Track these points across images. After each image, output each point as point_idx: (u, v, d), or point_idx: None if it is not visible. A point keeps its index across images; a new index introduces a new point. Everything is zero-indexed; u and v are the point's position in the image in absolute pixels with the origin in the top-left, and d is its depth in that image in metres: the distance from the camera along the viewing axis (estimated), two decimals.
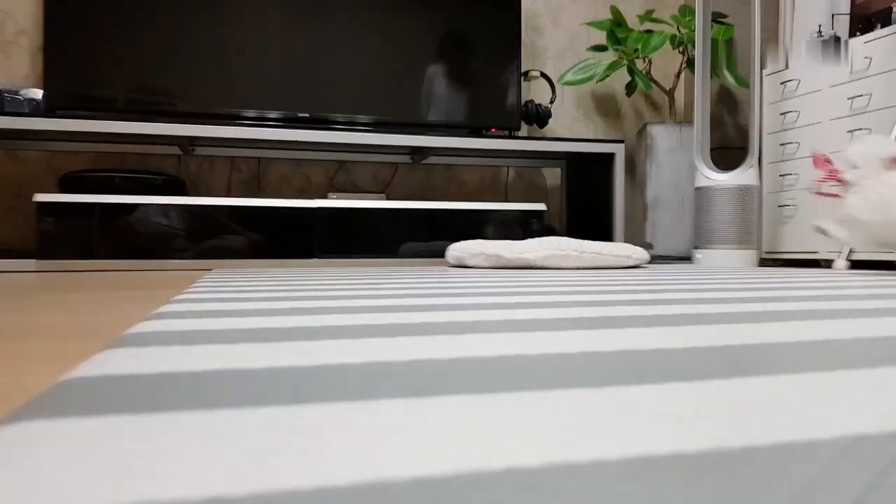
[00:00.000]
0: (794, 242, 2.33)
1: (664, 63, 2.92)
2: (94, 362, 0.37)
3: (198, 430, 0.24)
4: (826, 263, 2.25)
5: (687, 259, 2.53)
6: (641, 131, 2.61)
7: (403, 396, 0.29)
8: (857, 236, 1.46)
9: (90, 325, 0.62)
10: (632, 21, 2.85)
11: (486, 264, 1.85)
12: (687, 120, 2.90)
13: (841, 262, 1.84)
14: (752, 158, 2.27)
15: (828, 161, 1.50)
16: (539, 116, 2.58)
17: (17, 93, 2.01)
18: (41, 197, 1.90)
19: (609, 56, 2.69)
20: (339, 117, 2.33)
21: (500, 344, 0.44)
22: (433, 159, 2.56)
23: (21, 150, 2.25)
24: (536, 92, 2.78)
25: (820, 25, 2.41)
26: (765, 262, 2.50)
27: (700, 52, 2.40)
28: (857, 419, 0.26)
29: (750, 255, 2.26)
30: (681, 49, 2.68)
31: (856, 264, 2.19)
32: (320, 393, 0.30)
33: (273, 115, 2.27)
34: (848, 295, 0.87)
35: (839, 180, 1.46)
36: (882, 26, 2.14)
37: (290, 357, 0.39)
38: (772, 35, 2.76)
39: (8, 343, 0.50)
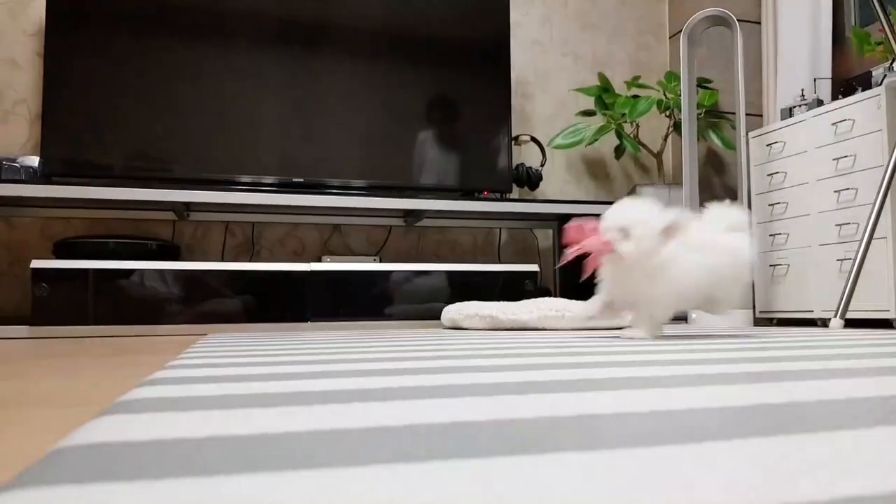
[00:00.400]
0: (788, 302, 2.34)
1: (651, 127, 2.98)
2: (88, 429, 0.36)
3: (192, 498, 0.24)
4: (822, 322, 2.25)
5: (682, 319, 2.53)
6: (631, 193, 2.65)
7: (399, 462, 0.29)
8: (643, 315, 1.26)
9: (84, 391, 0.61)
10: (619, 87, 2.92)
11: (480, 326, 1.85)
12: (676, 181, 2.94)
13: (836, 322, 1.85)
14: None
15: (590, 231, 1.24)
16: (530, 179, 2.62)
17: (14, 160, 2.03)
18: (38, 263, 1.90)
19: (597, 120, 2.74)
20: (334, 182, 2.36)
21: (495, 407, 0.44)
22: (426, 222, 2.59)
23: (16, 215, 2.26)
24: (527, 155, 2.83)
25: (803, 89, 2.47)
26: (759, 322, 2.50)
27: (686, 117, 2.45)
28: (854, 479, 0.26)
29: (744, 315, 2.26)
30: (667, 113, 2.73)
31: (850, 323, 2.20)
32: (315, 459, 0.29)
33: (268, 180, 2.30)
34: (844, 354, 0.88)
35: (610, 251, 1.21)
36: (862, 90, 2.20)
37: (285, 423, 0.38)
38: (756, 98, 2.83)
39: (2, 410, 0.50)
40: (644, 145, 2.75)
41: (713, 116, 2.75)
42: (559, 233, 2.64)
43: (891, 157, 1.85)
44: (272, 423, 0.38)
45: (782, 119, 2.44)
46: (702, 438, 0.34)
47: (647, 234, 1.19)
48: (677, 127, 2.67)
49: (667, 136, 2.78)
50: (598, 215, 2.40)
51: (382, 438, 0.34)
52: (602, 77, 2.71)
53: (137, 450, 0.31)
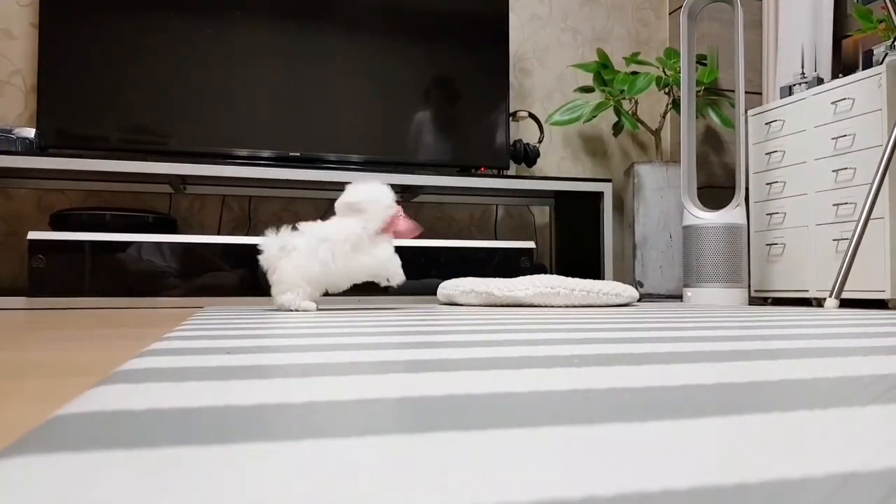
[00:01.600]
0: (784, 281, 2.35)
1: (650, 104, 2.97)
2: (86, 398, 0.36)
3: (189, 466, 0.24)
4: (817, 302, 2.26)
5: (677, 297, 2.54)
6: (629, 170, 2.64)
7: (394, 433, 0.29)
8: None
9: (82, 361, 0.61)
10: (618, 63, 2.90)
11: (476, 302, 1.86)
12: (674, 159, 2.93)
13: (831, 301, 1.86)
14: (738, 197, 2.30)
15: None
16: (528, 156, 2.61)
17: (10, 131, 2.01)
18: (34, 235, 1.90)
19: (596, 97, 2.73)
20: (331, 156, 2.35)
21: (490, 381, 0.44)
22: (423, 197, 2.58)
23: (12, 187, 2.25)
24: (525, 132, 2.81)
25: (803, 66, 2.46)
26: (754, 301, 2.51)
27: (685, 94, 2.44)
28: (848, 457, 0.26)
29: (739, 294, 2.27)
30: (666, 90, 2.72)
31: (846, 303, 2.21)
32: (312, 429, 0.30)
33: (265, 154, 2.29)
34: (838, 333, 0.88)
35: None
36: (863, 68, 2.19)
37: (281, 394, 0.39)
38: (756, 76, 2.82)
39: (1, 379, 0.50)
40: (642, 122, 2.74)
41: (712, 94, 2.73)
42: (556, 209, 2.64)
43: (890, 136, 1.85)
44: (268, 394, 0.39)
45: (782, 97, 2.43)
46: (696, 414, 0.34)
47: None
48: (676, 104, 2.66)
49: (665, 114, 2.77)
50: (594, 193, 2.41)
51: (377, 410, 0.34)
52: (601, 53, 2.69)
53: (135, 418, 0.32)
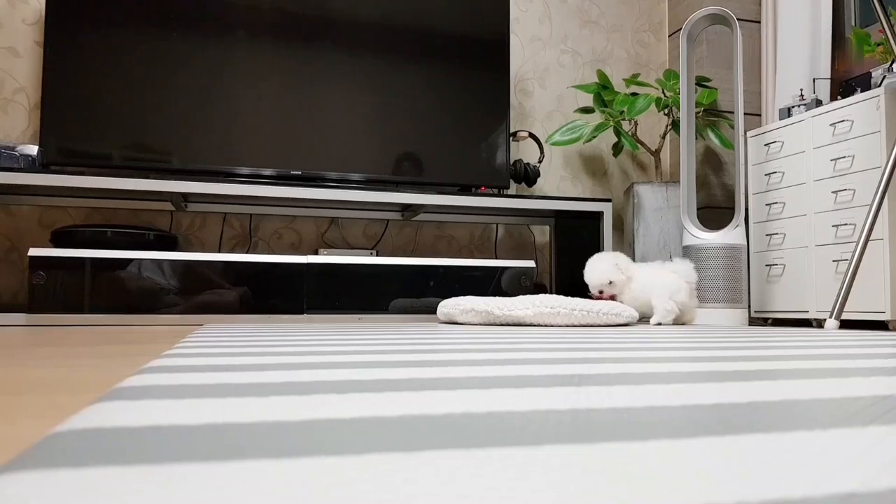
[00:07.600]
0: (784, 301, 2.35)
1: (650, 124, 2.98)
2: (85, 415, 0.36)
3: (188, 483, 0.24)
4: (818, 323, 2.26)
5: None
6: (628, 190, 2.65)
7: (393, 451, 0.29)
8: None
9: (81, 378, 0.61)
10: (618, 84, 2.92)
11: (476, 321, 1.85)
12: (673, 180, 2.94)
13: (832, 322, 1.85)
14: (738, 218, 2.30)
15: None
16: (528, 175, 2.62)
17: (13, 148, 2.02)
18: (35, 252, 1.90)
19: (596, 118, 2.74)
20: (332, 175, 2.36)
21: (489, 400, 0.44)
22: (423, 216, 2.58)
23: (14, 204, 2.25)
24: (525, 151, 2.83)
25: (801, 89, 2.48)
26: (754, 322, 2.51)
27: (685, 115, 2.45)
28: (848, 477, 0.26)
29: (740, 314, 2.26)
30: (666, 111, 2.74)
31: (846, 324, 2.21)
32: (309, 447, 0.30)
33: (266, 172, 2.30)
34: (838, 355, 0.88)
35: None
36: (861, 90, 2.21)
37: (280, 412, 0.39)
38: (755, 98, 2.83)
39: (0, 395, 0.50)
40: (642, 143, 2.76)
41: (712, 115, 2.75)
42: (556, 229, 2.65)
43: (889, 158, 1.86)
44: (267, 411, 0.39)
45: (781, 119, 2.44)
46: (696, 434, 0.34)
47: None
48: (675, 125, 2.67)
49: (665, 135, 2.78)
50: (594, 212, 2.42)
51: (376, 428, 0.34)
52: (601, 74, 2.71)
53: (133, 435, 0.31)
